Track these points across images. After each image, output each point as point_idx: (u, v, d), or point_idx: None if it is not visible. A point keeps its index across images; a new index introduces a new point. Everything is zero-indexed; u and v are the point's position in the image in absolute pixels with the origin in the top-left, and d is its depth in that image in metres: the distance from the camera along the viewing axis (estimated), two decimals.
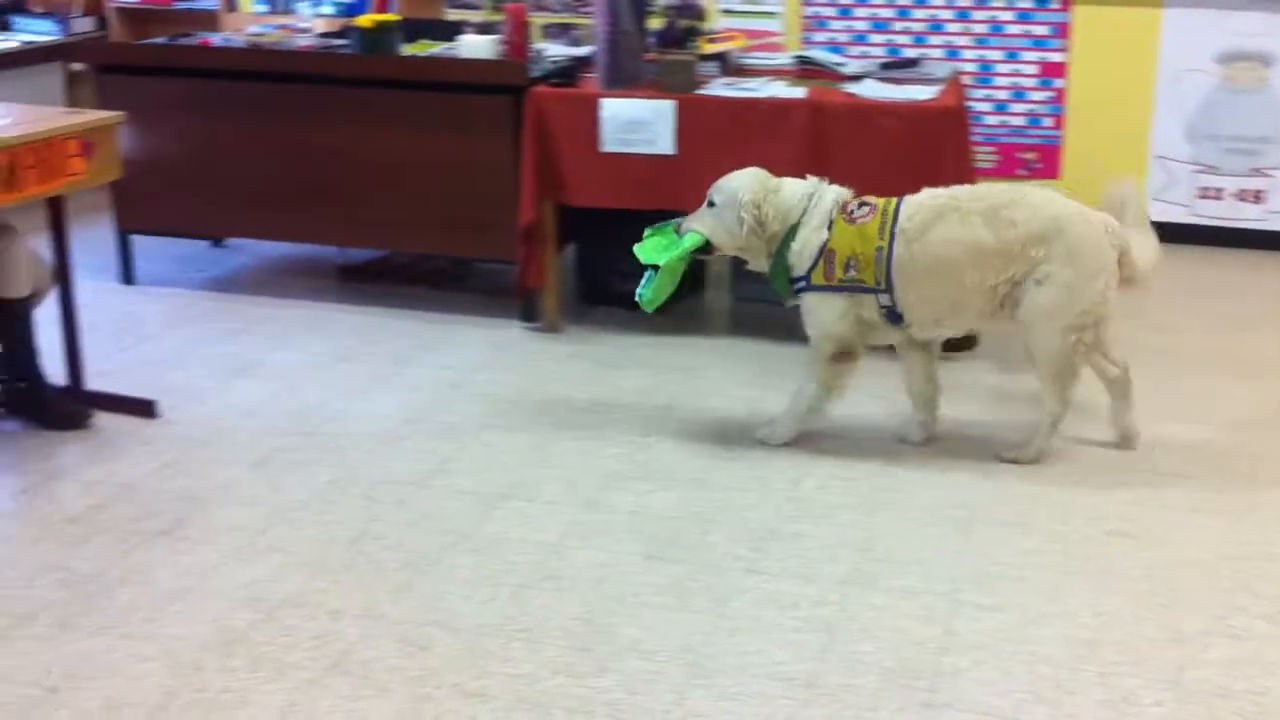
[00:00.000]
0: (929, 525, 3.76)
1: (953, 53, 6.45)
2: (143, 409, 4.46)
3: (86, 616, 3.31)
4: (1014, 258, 3.96)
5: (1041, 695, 3.00)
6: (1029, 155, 6.50)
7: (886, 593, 3.41)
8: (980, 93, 6.46)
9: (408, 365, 4.93)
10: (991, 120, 6.50)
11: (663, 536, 3.70)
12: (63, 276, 4.47)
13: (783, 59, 5.55)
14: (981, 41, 6.46)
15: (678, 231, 4.15)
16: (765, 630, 3.25)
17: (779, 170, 4.26)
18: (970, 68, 6.40)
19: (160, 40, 5.87)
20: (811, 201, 4.09)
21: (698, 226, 4.13)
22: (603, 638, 3.22)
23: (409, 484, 4.01)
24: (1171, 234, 6.31)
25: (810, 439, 4.27)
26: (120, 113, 4.48)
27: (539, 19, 6.72)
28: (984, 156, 6.39)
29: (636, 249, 4.15)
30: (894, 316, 4.07)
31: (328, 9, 6.92)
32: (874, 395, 4.58)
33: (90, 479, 4.04)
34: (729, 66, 5.33)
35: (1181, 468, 4.11)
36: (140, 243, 5.83)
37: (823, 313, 4.10)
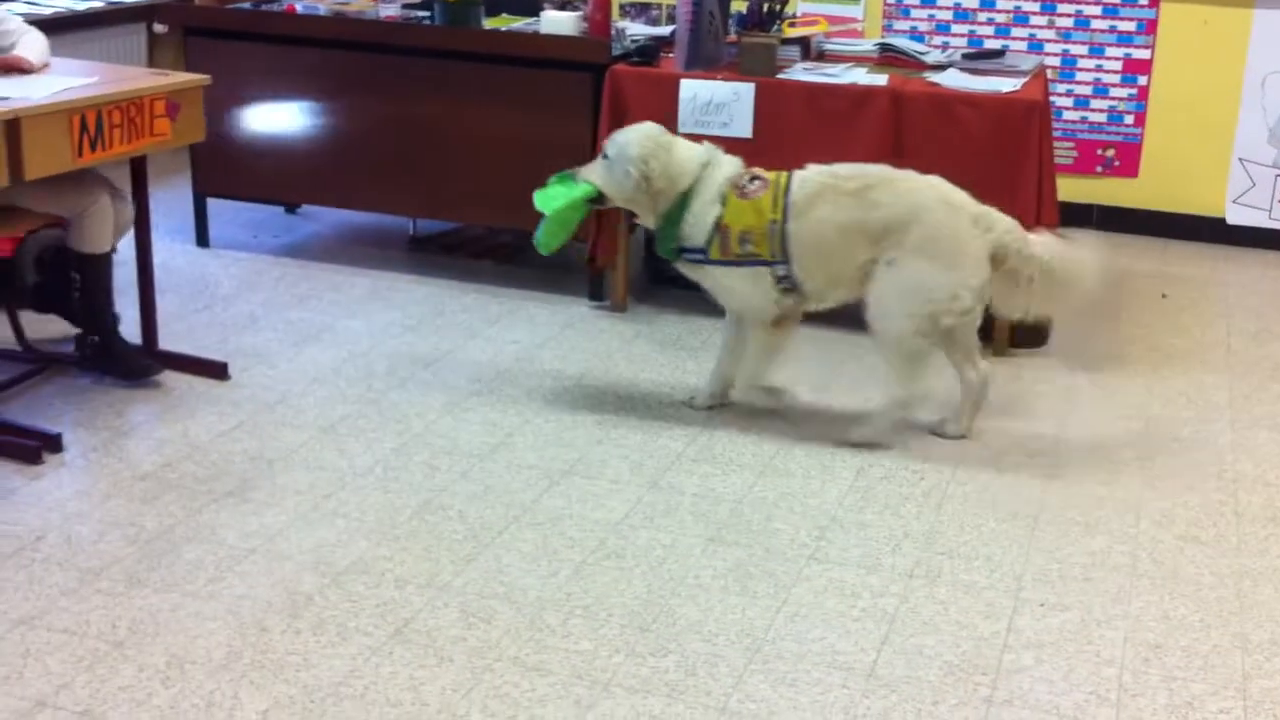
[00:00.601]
0: (995, 521, 3.73)
1: (1036, 45, 6.37)
2: (214, 371, 4.50)
3: (154, 573, 3.35)
4: (876, 238, 4.01)
5: (1104, 696, 2.97)
6: (1108, 152, 6.42)
7: (950, 586, 3.39)
8: (1062, 87, 6.38)
9: (474, 338, 4.95)
10: (1071, 115, 6.42)
11: (725, 520, 3.69)
12: (141, 237, 4.51)
13: (865, 45, 5.50)
14: (1066, 35, 6.38)
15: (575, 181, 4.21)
16: (826, 618, 3.24)
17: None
18: (1053, 61, 6.32)
19: (245, 6, 5.91)
20: (706, 171, 4.14)
21: (591, 177, 4.20)
22: (663, 618, 3.21)
23: (473, 456, 4.02)
24: (1251, 238, 6.29)
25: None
26: (206, 76, 4.51)
27: None
28: (1063, 152, 6.31)
29: (536, 195, 4.20)
30: (792, 284, 4.11)
31: None
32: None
33: (161, 438, 4.08)
34: (810, 51, 5.30)
35: (1261, 474, 4.05)
36: (214, 206, 5.88)
37: (735, 285, 4.16)
